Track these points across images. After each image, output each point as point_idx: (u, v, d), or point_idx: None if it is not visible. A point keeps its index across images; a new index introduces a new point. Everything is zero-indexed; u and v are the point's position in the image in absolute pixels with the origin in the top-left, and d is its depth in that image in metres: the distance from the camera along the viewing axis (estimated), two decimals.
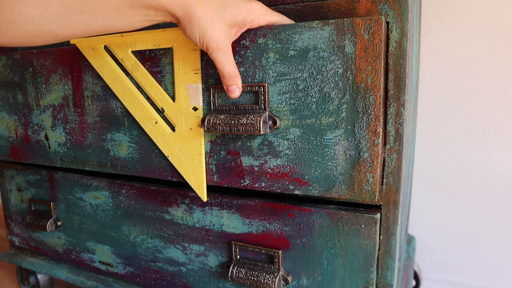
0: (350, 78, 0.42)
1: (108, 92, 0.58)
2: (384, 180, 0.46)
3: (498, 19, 0.86)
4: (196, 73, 0.49)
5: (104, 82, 0.57)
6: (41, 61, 0.64)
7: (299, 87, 0.44)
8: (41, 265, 0.80)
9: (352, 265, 0.48)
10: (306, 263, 0.51)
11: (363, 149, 0.43)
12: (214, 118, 0.47)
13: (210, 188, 0.55)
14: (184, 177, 0.54)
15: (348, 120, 0.43)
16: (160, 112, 0.53)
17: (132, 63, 0.53)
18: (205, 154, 0.52)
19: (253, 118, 0.45)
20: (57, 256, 0.78)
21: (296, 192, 0.47)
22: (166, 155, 0.54)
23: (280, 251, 0.52)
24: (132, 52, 0.53)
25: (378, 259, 0.48)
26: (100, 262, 0.71)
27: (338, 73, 0.42)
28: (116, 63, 0.55)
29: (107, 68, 0.56)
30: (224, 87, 0.45)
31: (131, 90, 0.55)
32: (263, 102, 0.46)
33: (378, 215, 0.46)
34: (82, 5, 0.38)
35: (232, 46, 0.46)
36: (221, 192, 0.56)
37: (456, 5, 0.89)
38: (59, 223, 0.74)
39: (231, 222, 0.55)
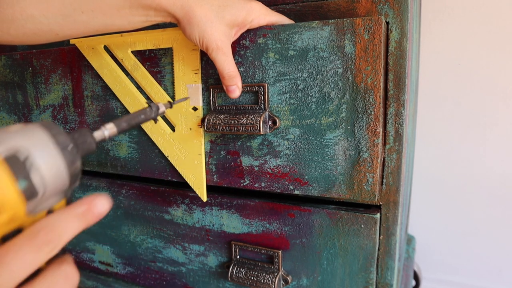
0: (350, 78, 0.42)
1: (108, 92, 0.58)
2: (384, 180, 0.46)
3: (498, 19, 0.86)
4: (196, 73, 0.49)
5: (104, 82, 0.57)
6: (41, 61, 0.64)
7: (299, 87, 0.44)
8: None
9: (352, 265, 0.48)
10: (306, 263, 0.51)
11: (363, 149, 0.43)
12: (214, 118, 0.47)
13: (210, 188, 0.55)
14: (184, 177, 0.54)
15: (348, 120, 0.43)
16: None
17: (132, 63, 0.53)
18: (205, 154, 0.52)
19: (253, 118, 0.45)
20: None
21: (296, 192, 0.47)
22: (166, 155, 0.54)
23: (280, 251, 0.52)
24: (132, 52, 0.53)
25: (378, 259, 0.48)
26: (100, 262, 0.71)
27: (338, 73, 0.42)
28: (116, 63, 0.55)
29: (107, 68, 0.56)
30: (224, 87, 0.45)
31: (131, 90, 0.55)
32: (263, 102, 0.46)
33: (378, 215, 0.46)
34: (82, 4, 0.38)
35: (232, 46, 0.46)
36: (221, 192, 0.56)
37: (456, 5, 0.89)
38: None
39: (231, 222, 0.55)
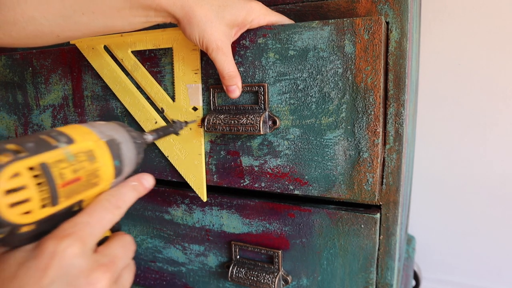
0: (350, 78, 0.42)
1: (108, 92, 0.58)
2: (384, 180, 0.46)
3: (498, 19, 0.86)
4: (196, 73, 0.49)
5: (104, 82, 0.57)
6: (40, 61, 0.64)
7: (299, 87, 0.44)
8: None
9: (352, 265, 0.48)
10: (306, 263, 0.51)
11: (363, 149, 0.43)
12: (214, 118, 0.47)
13: (210, 188, 0.55)
14: (184, 177, 0.54)
15: (348, 120, 0.43)
16: (160, 112, 0.53)
17: (132, 63, 0.53)
18: (205, 154, 0.52)
19: (253, 118, 0.45)
20: None
21: (296, 192, 0.47)
22: (166, 155, 0.54)
23: (280, 251, 0.52)
24: (132, 52, 0.53)
25: (378, 259, 0.48)
26: None
27: (338, 73, 0.42)
28: (116, 63, 0.55)
29: (107, 68, 0.56)
30: (224, 88, 0.45)
31: (131, 90, 0.55)
32: (263, 102, 0.46)
33: (378, 215, 0.46)
34: (82, 6, 0.38)
35: (232, 46, 0.46)
36: (221, 192, 0.56)
37: (456, 5, 0.89)
38: None
39: (231, 222, 0.55)
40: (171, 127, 0.43)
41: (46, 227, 0.26)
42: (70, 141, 0.27)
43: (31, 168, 0.24)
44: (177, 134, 0.45)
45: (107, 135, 0.30)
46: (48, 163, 0.25)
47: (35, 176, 0.24)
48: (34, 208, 0.24)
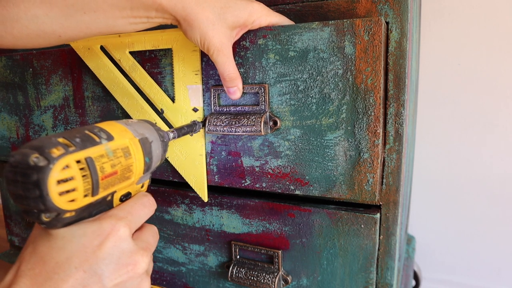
0: (350, 79, 0.42)
1: (108, 93, 0.58)
2: (384, 180, 0.46)
3: (498, 19, 0.86)
4: (196, 74, 0.49)
5: None
6: (41, 62, 0.64)
7: (299, 88, 0.45)
8: None
9: (352, 265, 0.48)
10: (306, 263, 0.51)
11: (363, 149, 0.43)
12: (215, 119, 0.47)
13: (210, 188, 0.55)
14: (185, 178, 0.54)
15: (348, 121, 0.43)
16: (160, 113, 0.53)
17: (130, 63, 0.53)
18: (206, 155, 0.52)
19: (254, 119, 0.45)
20: None
21: (297, 192, 0.48)
22: (165, 156, 0.54)
23: (280, 251, 0.52)
24: (131, 53, 0.53)
25: (378, 259, 0.48)
26: None
27: (338, 74, 0.42)
28: (113, 63, 0.55)
29: (104, 68, 0.55)
30: (225, 89, 0.45)
31: (129, 91, 0.54)
32: (263, 103, 0.46)
33: (378, 215, 0.46)
34: (84, 5, 0.38)
35: (232, 47, 0.46)
36: (221, 192, 0.56)
37: (456, 5, 0.89)
38: None
39: (231, 222, 0.55)
40: (193, 125, 0.45)
41: (83, 214, 0.29)
42: (110, 138, 0.30)
43: (78, 161, 0.27)
44: (192, 134, 0.47)
45: (140, 133, 0.33)
46: (92, 158, 0.28)
47: (81, 169, 0.27)
48: (78, 197, 0.27)
